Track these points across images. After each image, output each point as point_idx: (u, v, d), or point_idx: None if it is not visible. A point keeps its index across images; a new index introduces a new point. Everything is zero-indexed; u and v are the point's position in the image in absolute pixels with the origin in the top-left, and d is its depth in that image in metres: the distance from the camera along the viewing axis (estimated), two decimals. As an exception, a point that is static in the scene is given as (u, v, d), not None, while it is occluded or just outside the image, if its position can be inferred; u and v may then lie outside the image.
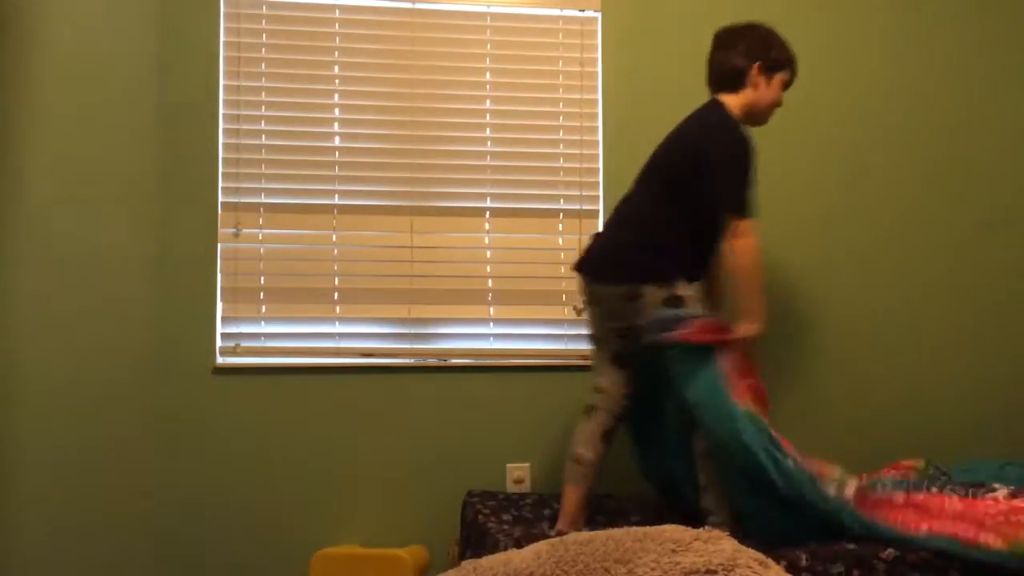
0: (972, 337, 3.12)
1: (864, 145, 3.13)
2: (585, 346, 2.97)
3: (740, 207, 2.27)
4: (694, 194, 2.33)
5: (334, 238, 2.94)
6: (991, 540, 2.00)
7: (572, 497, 2.42)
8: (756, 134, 2.88)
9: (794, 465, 2.16)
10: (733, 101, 2.42)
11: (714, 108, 2.42)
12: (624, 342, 2.44)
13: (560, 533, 2.22)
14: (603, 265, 2.44)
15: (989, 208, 3.15)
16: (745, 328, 2.26)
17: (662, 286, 2.30)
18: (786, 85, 2.48)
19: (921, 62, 3.15)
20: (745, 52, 2.42)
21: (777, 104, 2.47)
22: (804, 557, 1.99)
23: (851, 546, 2.05)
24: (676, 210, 2.36)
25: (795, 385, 3.02)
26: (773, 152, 3.10)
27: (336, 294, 2.92)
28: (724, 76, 2.45)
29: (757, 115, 2.45)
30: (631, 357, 2.45)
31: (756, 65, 2.41)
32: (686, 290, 2.31)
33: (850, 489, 2.25)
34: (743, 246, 2.26)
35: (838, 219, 3.09)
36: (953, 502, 2.16)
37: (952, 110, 3.16)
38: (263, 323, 2.89)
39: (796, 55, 2.50)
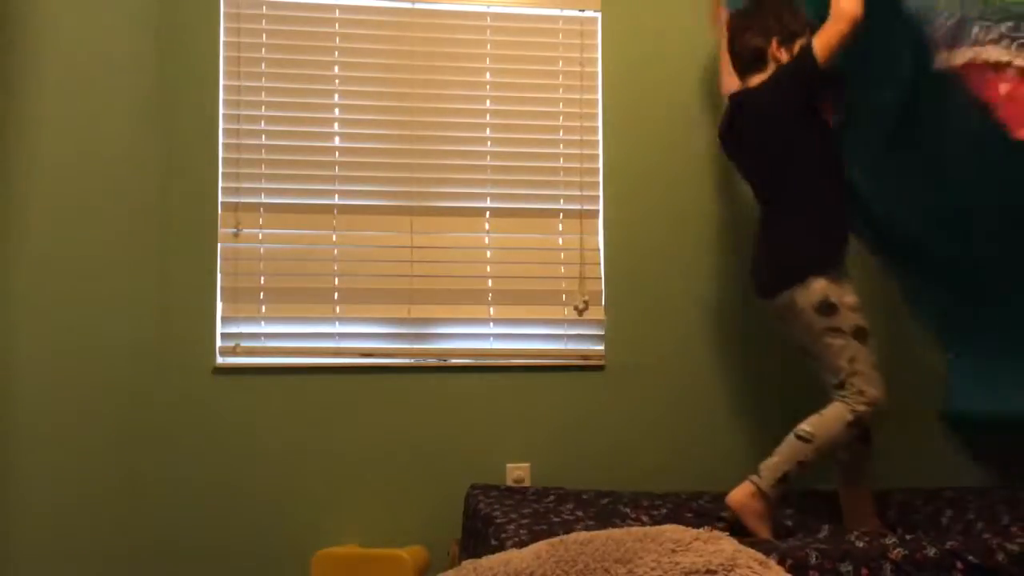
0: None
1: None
2: (585, 346, 2.99)
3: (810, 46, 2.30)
4: (808, 167, 2.36)
5: (334, 238, 2.94)
6: None
7: (844, 496, 2.45)
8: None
9: None
10: (762, 76, 2.45)
11: (753, 96, 2.45)
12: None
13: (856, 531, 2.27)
14: (762, 281, 2.49)
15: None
16: None
17: (808, 286, 2.30)
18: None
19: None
20: (760, 30, 2.45)
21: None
22: (813, 555, 1.99)
23: (859, 544, 2.05)
24: (801, 193, 2.39)
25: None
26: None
27: (336, 294, 2.92)
28: (748, 59, 2.47)
29: None
30: None
31: (774, 41, 2.43)
32: (844, 295, 2.30)
33: None
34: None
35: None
36: None
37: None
38: (263, 323, 2.89)
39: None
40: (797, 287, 2.33)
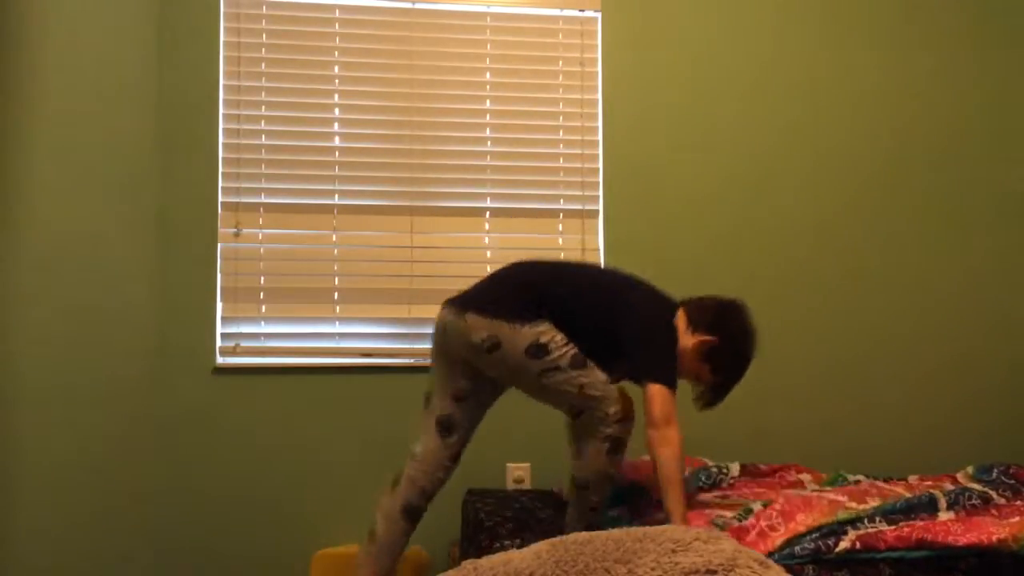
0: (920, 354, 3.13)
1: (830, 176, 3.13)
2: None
3: (666, 376, 2.15)
4: (608, 330, 2.21)
5: (334, 238, 2.94)
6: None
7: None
8: (755, 141, 2.88)
9: None
10: (680, 323, 2.28)
11: (671, 304, 2.31)
12: (471, 384, 2.27)
13: None
14: (478, 297, 2.24)
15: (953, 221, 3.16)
16: None
17: (527, 324, 2.14)
18: (702, 391, 2.34)
19: (910, 75, 3.17)
20: (725, 329, 2.25)
21: (688, 376, 2.30)
22: (810, 568, 2.01)
23: (858, 544, 2.06)
24: (587, 320, 2.21)
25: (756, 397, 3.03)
26: (756, 172, 3.11)
27: (336, 294, 2.92)
28: (697, 306, 2.30)
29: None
30: (460, 421, 2.30)
31: (714, 339, 2.24)
32: (551, 333, 2.14)
33: None
34: (667, 437, 2.10)
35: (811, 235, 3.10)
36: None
37: (935, 124, 3.17)
38: (263, 323, 2.89)
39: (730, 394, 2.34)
40: (502, 323, 2.15)
